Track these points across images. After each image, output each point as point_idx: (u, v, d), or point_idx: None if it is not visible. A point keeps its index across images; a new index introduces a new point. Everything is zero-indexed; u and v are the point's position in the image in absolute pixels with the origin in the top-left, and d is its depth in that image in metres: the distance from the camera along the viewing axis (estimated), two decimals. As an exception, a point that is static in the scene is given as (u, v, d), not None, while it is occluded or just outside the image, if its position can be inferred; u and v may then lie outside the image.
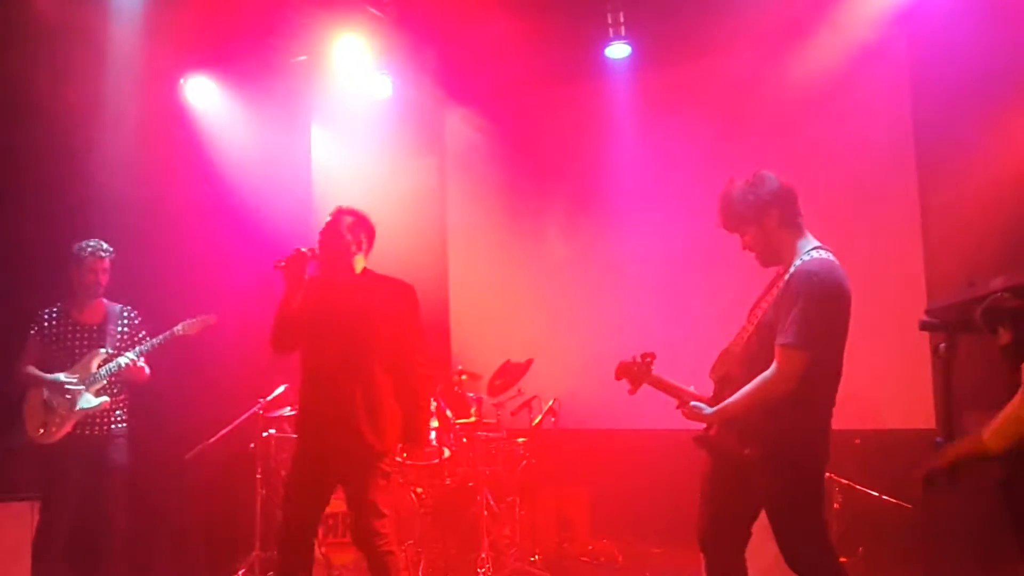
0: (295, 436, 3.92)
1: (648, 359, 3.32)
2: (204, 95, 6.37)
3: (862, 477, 4.59)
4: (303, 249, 3.72)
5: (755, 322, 3.07)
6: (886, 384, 5.28)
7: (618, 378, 3.41)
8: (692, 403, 3.09)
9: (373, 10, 5.88)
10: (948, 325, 1.97)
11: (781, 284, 3.02)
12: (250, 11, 5.67)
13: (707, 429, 3.16)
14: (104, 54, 5.50)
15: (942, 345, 1.98)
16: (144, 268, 5.27)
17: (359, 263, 3.87)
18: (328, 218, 3.87)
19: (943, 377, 2.02)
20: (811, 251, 3.02)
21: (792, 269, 3.00)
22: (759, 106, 5.94)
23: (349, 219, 3.85)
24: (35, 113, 5.14)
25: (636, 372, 3.34)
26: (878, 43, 5.49)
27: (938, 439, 2.04)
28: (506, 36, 5.85)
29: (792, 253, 3.07)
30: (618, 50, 6.18)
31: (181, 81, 6.31)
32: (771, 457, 3.00)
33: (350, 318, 3.71)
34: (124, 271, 4.86)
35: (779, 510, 3.02)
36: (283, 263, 3.68)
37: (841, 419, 5.23)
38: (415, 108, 6.95)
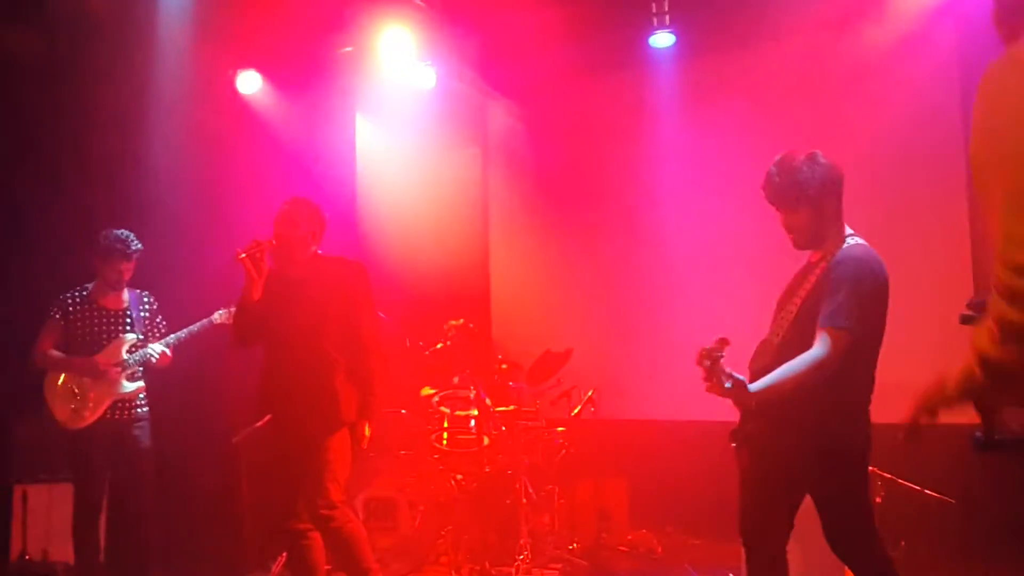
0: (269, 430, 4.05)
1: (720, 345, 3.20)
2: (251, 86, 6.47)
3: (905, 471, 4.54)
4: (263, 240, 3.78)
5: (793, 311, 3.04)
6: (930, 378, 5.20)
7: (698, 363, 3.33)
8: (735, 376, 2.86)
9: (418, 1, 5.93)
10: (990, 318, 1.93)
11: (819, 271, 3.01)
12: (297, 3, 5.74)
13: (744, 424, 3.14)
14: (156, 48, 5.59)
15: (983, 339, 1.94)
16: (190, 255, 5.37)
17: (310, 251, 3.94)
18: (282, 207, 3.92)
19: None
20: (853, 238, 3.03)
21: (838, 256, 2.98)
22: (804, 96, 5.88)
23: (304, 209, 3.92)
24: (84, 103, 5.25)
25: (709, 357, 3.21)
26: (926, 35, 5.38)
27: (978, 434, 2.02)
28: (549, 26, 5.85)
29: (837, 241, 3.05)
30: (662, 39, 6.14)
31: (232, 73, 6.41)
32: (812, 444, 2.99)
33: (305, 307, 3.81)
34: (169, 258, 4.96)
35: (825, 498, 3.02)
36: (244, 254, 3.73)
37: (885, 413, 5.19)
38: (458, 99, 6.99)
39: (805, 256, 3.22)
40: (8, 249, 5.08)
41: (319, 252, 3.99)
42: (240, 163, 6.12)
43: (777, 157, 3.09)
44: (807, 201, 3.04)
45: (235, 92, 6.42)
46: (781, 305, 3.17)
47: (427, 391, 5.82)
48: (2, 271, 5.04)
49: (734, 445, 3.16)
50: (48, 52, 5.24)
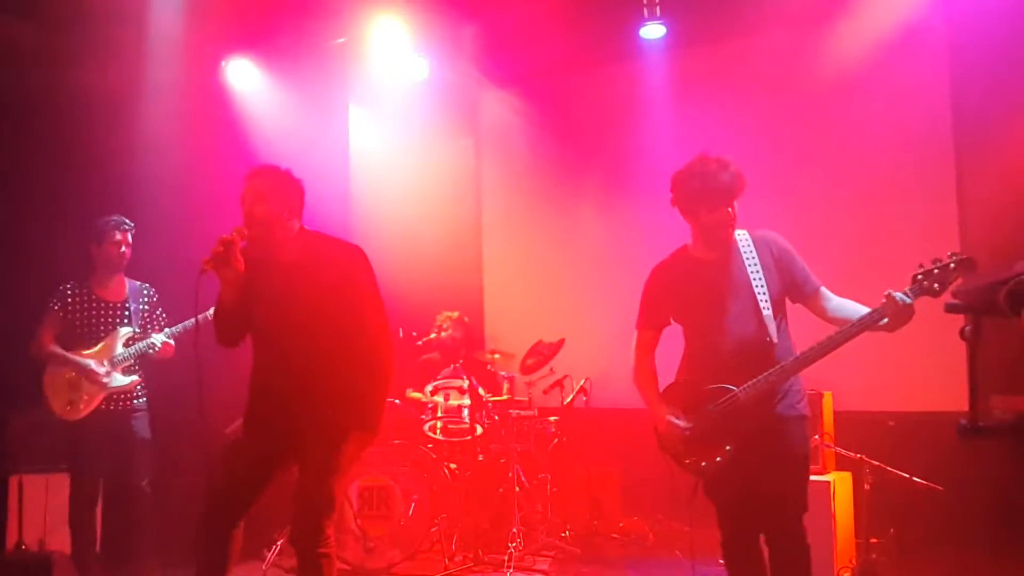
0: (246, 422, 3.44)
1: None
2: (244, 77, 6.46)
3: (893, 459, 4.59)
4: (229, 235, 3.24)
5: (756, 297, 3.15)
6: (921, 366, 5.26)
7: None
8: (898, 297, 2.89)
9: (411, -8, 5.94)
10: (973, 307, 1.97)
11: (742, 256, 3.19)
12: (290, -8, 5.76)
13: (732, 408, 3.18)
14: (145, 37, 5.58)
15: (967, 328, 1.98)
16: (179, 247, 5.36)
17: (293, 227, 3.38)
18: (245, 183, 3.35)
19: (969, 360, 2.03)
20: None
21: (747, 238, 3.24)
22: (795, 88, 5.90)
23: (268, 182, 3.33)
24: (76, 92, 5.22)
25: None
26: (917, 25, 5.42)
27: (963, 421, 2.05)
28: (541, 18, 5.87)
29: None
30: (653, 31, 6.16)
31: (222, 63, 6.41)
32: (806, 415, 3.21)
33: (300, 295, 3.27)
34: (159, 250, 4.95)
35: (803, 466, 3.19)
36: (208, 265, 3.20)
37: (875, 400, 5.30)
38: (451, 89, 7.00)
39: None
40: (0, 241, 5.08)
41: (307, 229, 3.44)
42: (232, 153, 6.10)
43: (704, 158, 3.24)
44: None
45: (228, 84, 6.41)
46: (730, 296, 3.20)
47: (413, 394, 5.85)
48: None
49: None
50: (36, 41, 5.22)
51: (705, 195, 3.17)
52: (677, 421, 3.19)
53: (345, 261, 3.35)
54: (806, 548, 3.13)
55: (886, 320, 2.90)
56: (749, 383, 3.07)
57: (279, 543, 5.05)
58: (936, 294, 2.84)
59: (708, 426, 3.14)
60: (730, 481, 3.15)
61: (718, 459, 3.12)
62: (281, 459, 3.32)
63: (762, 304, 3.12)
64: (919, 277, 2.87)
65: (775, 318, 3.13)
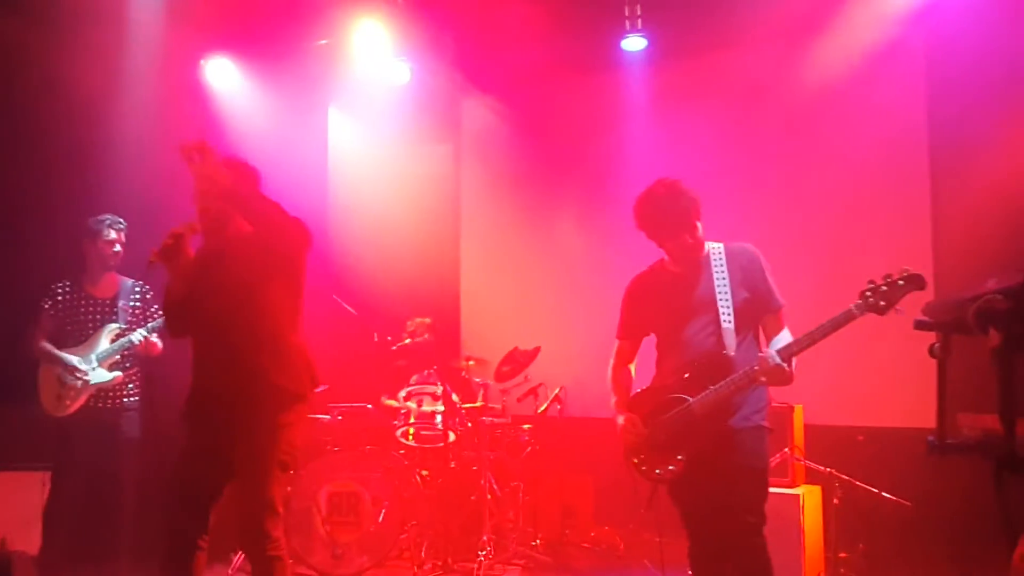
0: (186, 422, 3.34)
1: None
2: (224, 76, 6.42)
3: (863, 473, 4.61)
4: (179, 228, 3.27)
5: (718, 311, 3.16)
6: (891, 382, 5.30)
7: None
8: (773, 357, 2.99)
9: (393, -5, 5.93)
10: (943, 325, 1.98)
11: (712, 269, 3.21)
12: (271, -7, 5.73)
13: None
14: (125, 33, 5.53)
15: (936, 345, 1.98)
16: (157, 245, 5.32)
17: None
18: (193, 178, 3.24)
19: (938, 377, 2.03)
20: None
21: (721, 252, 3.25)
22: (774, 101, 5.95)
23: (217, 171, 3.18)
24: (54, 91, 5.18)
25: None
26: (895, 41, 5.49)
27: (930, 438, 2.06)
28: (524, 25, 5.87)
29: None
30: (634, 43, 6.19)
31: (201, 62, 6.36)
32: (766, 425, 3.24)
33: (221, 286, 3.25)
34: (140, 250, 4.90)
35: (758, 478, 3.16)
36: (155, 258, 3.25)
37: (845, 415, 5.32)
38: (432, 94, 6.99)
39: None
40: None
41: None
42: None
43: (653, 192, 3.27)
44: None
45: (206, 83, 6.37)
46: (690, 308, 3.24)
47: (388, 402, 5.82)
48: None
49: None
50: (15, 39, 5.15)
51: (661, 228, 3.23)
52: (631, 427, 3.25)
53: (265, 237, 3.23)
54: (765, 562, 3.11)
55: (764, 378, 3.02)
56: (702, 394, 3.11)
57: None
58: (882, 311, 2.85)
59: (663, 434, 3.19)
60: (688, 491, 3.20)
61: (671, 467, 3.17)
62: (228, 454, 3.19)
63: (723, 318, 3.14)
64: (867, 294, 2.88)
65: (738, 332, 3.15)
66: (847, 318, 2.91)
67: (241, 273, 3.23)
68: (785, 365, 2.96)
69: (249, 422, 3.15)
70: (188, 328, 3.40)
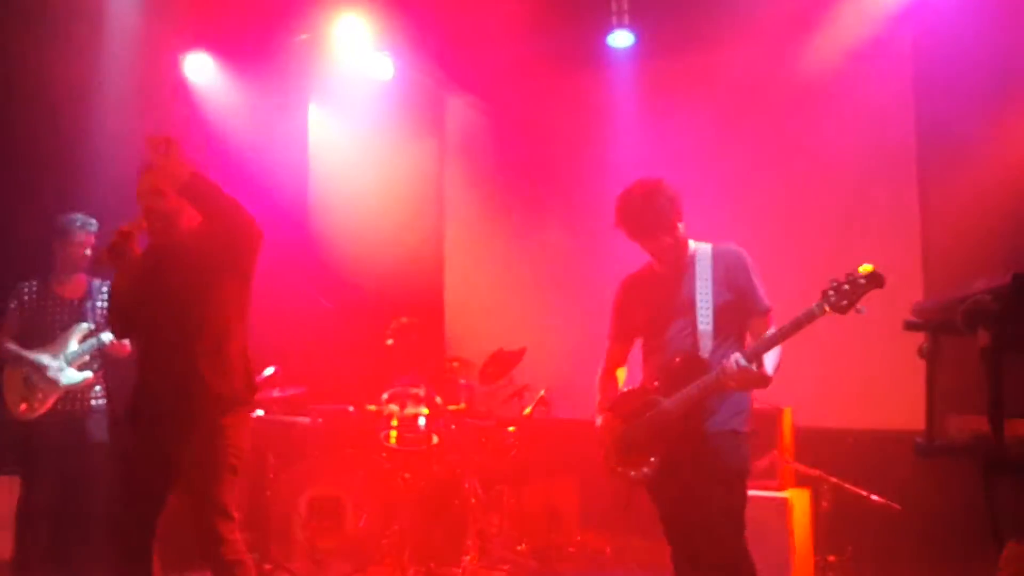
0: (131, 425, 3.29)
1: None
2: (203, 72, 6.35)
3: (852, 476, 4.57)
4: (127, 227, 3.24)
5: (698, 311, 3.11)
6: (880, 383, 5.24)
7: None
8: (738, 360, 2.91)
9: (376, -11, 5.86)
10: (931, 325, 1.94)
11: (696, 271, 3.16)
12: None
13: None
14: (103, 29, 5.51)
15: (925, 346, 1.94)
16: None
17: (196, 218, 3.28)
18: (140, 179, 3.24)
19: (927, 378, 1.99)
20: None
21: (707, 253, 3.20)
22: (761, 99, 5.89)
23: (179, 165, 3.14)
24: (32, 87, 5.15)
25: None
26: (882, 39, 5.43)
27: (918, 440, 2.01)
28: (509, 20, 5.82)
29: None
30: (621, 38, 6.13)
31: (181, 57, 6.29)
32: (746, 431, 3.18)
33: (179, 278, 3.21)
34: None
35: (733, 484, 3.10)
36: (104, 257, 3.25)
37: (834, 417, 5.26)
38: (415, 90, 6.94)
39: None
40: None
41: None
42: (189, 148, 5.96)
43: (630, 193, 3.25)
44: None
45: (186, 78, 6.30)
46: (666, 310, 3.21)
47: (370, 407, 5.74)
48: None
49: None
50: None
51: (639, 228, 3.19)
52: (608, 427, 3.25)
53: (218, 242, 3.19)
54: (748, 568, 3.05)
55: (732, 384, 2.96)
56: (675, 396, 3.07)
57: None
58: (843, 310, 2.80)
59: (638, 436, 3.17)
60: (664, 494, 3.18)
61: (645, 470, 3.14)
62: (174, 456, 3.17)
63: (700, 320, 3.10)
64: (829, 293, 2.82)
65: (717, 335, 3.10)
66: (809, 317, 2.86)
67: (187, 274, 3.21)
68: (752, 366, 2.89)
69: (189, 425, 3.13)
70: (131, 328, 3.42)
